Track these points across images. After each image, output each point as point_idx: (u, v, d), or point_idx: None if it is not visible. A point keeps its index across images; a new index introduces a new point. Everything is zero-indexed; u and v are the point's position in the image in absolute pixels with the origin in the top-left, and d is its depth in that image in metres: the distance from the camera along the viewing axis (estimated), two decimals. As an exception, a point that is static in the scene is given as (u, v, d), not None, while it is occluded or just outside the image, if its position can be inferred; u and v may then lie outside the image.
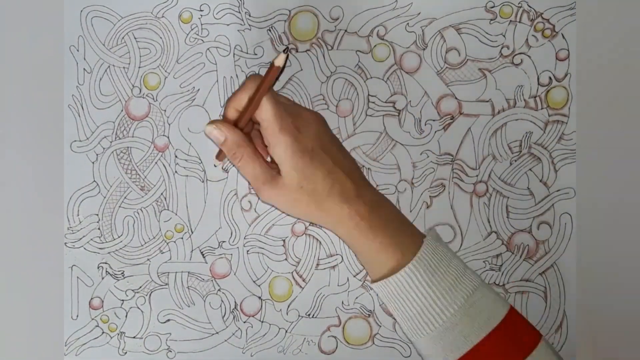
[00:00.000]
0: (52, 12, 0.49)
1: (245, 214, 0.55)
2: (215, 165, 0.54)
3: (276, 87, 0.55)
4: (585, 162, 0.44)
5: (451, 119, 0.55)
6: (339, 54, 0.55)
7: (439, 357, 0.44)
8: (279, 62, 0.42)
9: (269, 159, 0.48)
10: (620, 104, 0.42)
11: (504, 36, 0.54)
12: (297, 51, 0.55)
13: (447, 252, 0.46)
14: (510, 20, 0.54)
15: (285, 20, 0.55)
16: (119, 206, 0.55)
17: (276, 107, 0.44)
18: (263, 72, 0.55)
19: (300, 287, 0.55)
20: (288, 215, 0.54)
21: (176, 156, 0.55)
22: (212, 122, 0.45)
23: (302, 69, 0.55)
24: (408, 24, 0.55)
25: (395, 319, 0.47)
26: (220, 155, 0.50)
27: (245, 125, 0.46)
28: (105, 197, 0.55)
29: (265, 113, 0.44)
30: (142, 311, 0.55)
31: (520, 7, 0.54)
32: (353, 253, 0.52)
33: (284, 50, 0.42)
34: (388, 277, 0.45)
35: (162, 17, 0.55)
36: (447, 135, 0.55)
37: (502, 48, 0.54)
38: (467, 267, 0.46)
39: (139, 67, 0.55)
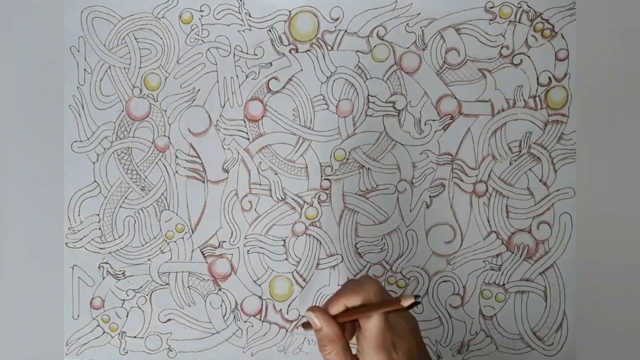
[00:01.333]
0: (53, 12, 0.49)
1: (246, 214, 0.55)
2: (297, 328, 0.55)
3: (276, 87, 0.55)
4: (585, 162, 0.44)
5: (451, 119, 0.55)
6: (339, 54, 0.55)
7: None
8: (406, 303, 0.41)
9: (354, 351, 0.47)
10: (620, 104, 0.42)
11: (503, 36, 0.54)
12: (297, 51, 0.55)
13: None
14: (510, 21, 0.54)
15: (285, 21, 0.55)
16: (120, 206, 0.55)
17: (383, 324, 0.43)
18: (263, 72, 0.55)
19: (301, 286, 0.55)
20: None
21: (177, 156, 0.55)
22: (313, 308, 0.45)
23: (302, 69, 0.55)
24: (408, 24, 0.55)
25: None
26: (307, 326, 0.48)
27: (344, 323, 0.45)
28: (106, 197, 0.55)
29: (372, 324, 0.43)
30: (143, 311, 0.55)
31: (520, 7, 0.54)
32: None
33: (415, 297, 0.41)
34: None
35: (163, 17, 0.55)
36: (447, 135, 0.55)
37: (501, 48, 0.54)
38: None
39: (140, 68, 0.55)
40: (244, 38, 0.55)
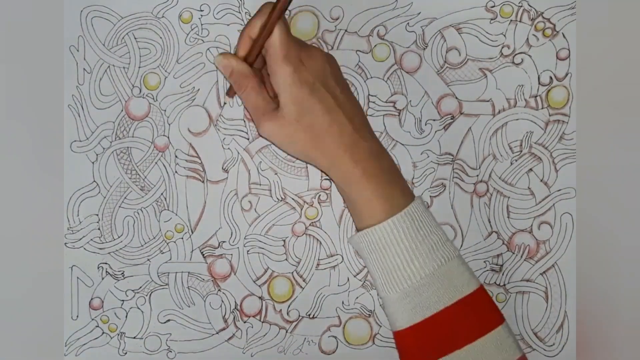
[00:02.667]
0: (52, 12, 0.49)
1: (246, 214, 0.55)
2: (224, 102, 0.54)
3: (276, 87, 0.55)
4: (586, 161, 0.44)
5: (451, 119, 0.55)
6: (339, 54, 0.55)
7: (404, 315, 0.44)
8: None
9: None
10: (621, 104, 0.42)
11: (504, 36, 0.54)
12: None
13: (432, 218, 0.47)
14: (511, 20, 0.54)
15: (285, 20, 0.55)
16: (119, 206, 0.55)
17: (284, 35, 0.44)
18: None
19: (301, 287, 0.55)
20: (285, 152, 0.51)
21: (176, 156, 0.55)
22: (221, 54, 0.46)
23: (302, 69, 0.55)
24: (408, 23, 0.55)
25: (370, 273, 0.47)
26: (230, 92, 0.51)
27: (255, 58, 0.46)
28: (105, 197, 0.55)
29: (273, 39, 0.44)
30: (142, 311, 0.55)
31: (521, 6, 0.54)
32: (343, 200, 0.51)
33: None
34: (373, 226, 0.45)
35: (162, 17, 0.55)
36: (447, 135, 0.55)
37: (502, 48, 0.54)
38: (448, 238, 0.46)
39: (139, 67, 0.55)
40: (244, 37, 0.55)
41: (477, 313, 0.45)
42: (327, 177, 0.55)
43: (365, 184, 0.45)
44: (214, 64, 0.47)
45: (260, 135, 0.50)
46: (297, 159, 0.54)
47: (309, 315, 0.55)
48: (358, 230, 0.47)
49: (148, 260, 0.55)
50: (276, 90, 0.45)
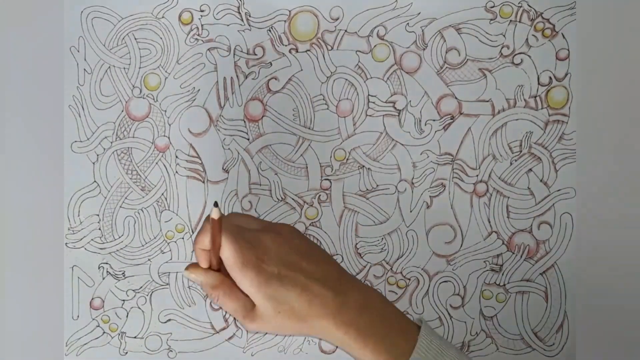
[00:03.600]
0: (52, 12, 0.49)
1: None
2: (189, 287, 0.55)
3: (276, 88, 0.55)
4: (586, 161, 0.44)
5: (451, 119, 0.55)
6: (339, 54, 0.55)
7: None
8: (215, 214, 0.42)
9: None
10: (621, 104, 0.42)
11: (504, 36, 0.54)
12: (297, 51, 0.55)
13: (440, 344, 0.44)
14: (510, 20, 0.54)
15: (285, 21, 0.55)
16: (120, 206, 0.55)
17: (235, 244, 0.43)
18: (263, 72, 0.55)
19: (301, 287, 0.55)
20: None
21: (177, 156, 0.55)
22: (187, 267, 0.46)
23: (302, 69, 0.55)
24: (408, 24, 0.55)
25: None
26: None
27: (217, 265, 0.45)
28: (105, 198, 0.55)
29: (226, 252, 0.43)
30: (142, 311, 0.55)
31: (520, 6, 0.54)
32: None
33: (214, 204, 0.42)
34: None
35: (162, 17, 0.55)
36: (447, 135, 0.55)
37: (502, 48, 0.54)
38: (461, 354, 0.45)
39: (140, 68, 0.55)
40: (244, 38, 0.55)
41: None
42: (327, 177, 0.55)
43: (364, 343, 0.44)
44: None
45: (255, 332, 0.52)
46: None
47: None
48: None
49: (149, 260, 0.55)
50: (246, 292, 0.44)
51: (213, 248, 0.44)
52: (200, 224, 0.55)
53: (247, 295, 0.44)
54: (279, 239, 0.45)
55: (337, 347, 0.48)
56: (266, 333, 0.55)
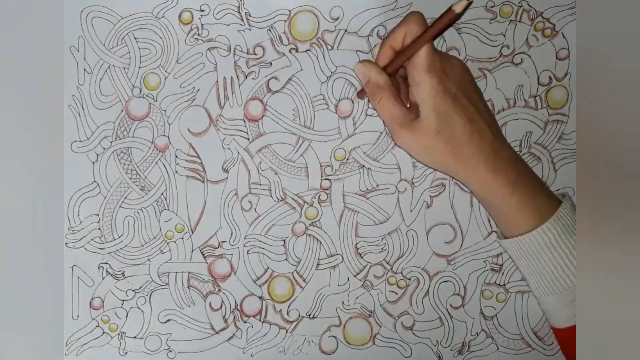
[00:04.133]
0: (52, 12, 0.49)
1: (246, 214, 0.55)
2: (352, 101, 0.54)
3: (276, 87, 0.55)
4: (585, 161, 0.44)
5: (451, 119, 0.54)
6: (339, 54, 0.55)
7: (562, 316, 0.45)
8: (459, 8, 0.39)
9: (408, 106, 0.47)
10: (621, 104, 0.42)
11: (504, 36, 0.54)
12: (297, 51, 0.55)
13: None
14: (510, 20, 0.54)
15: (285, 20, 0.55)
16: (120, 206, 0.55)
17: (432, 49, 0.43)
18: (263, 72, 0.55)
19: (301, 287, 0.55)
20: (420, 162, 0.52)
21: (176, 156, 0.55)
22: (362, 61, 0.46)
23: (302, 69, 0.55)
24: (408, 23, 0.54)
25: (522, 275, 0.47)
26: (361, 94, 0.49)
27: (396, 70, 0.45)
28: (105, 197, 0.55)
29: (420, 53, 0.43)
30: (142, 311, 0.55)
31: (521, 6, 0.54)
32: (483, 207, 0.50)
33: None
34: (523, 235, 0.44)
35: (162, 17, 0.55)
36: (447, 135, 0.55)
37: (502, 47, 0.54)
38: None
39: (139, 67, 0.55)
40: (244, 38, 0.55)
41: None
42: (327, 177, 0.55)
43: (510, 193, 0.44)
44: (352, 69, 0.48)
45: (397, 144, 0.50)
46: (432, 168, 0.53)
47: (309, 315, 0.55)
48: (505, 236, 0.47)
49: (148, 260, 0.55)
50: (417, 100, 0.44)
51: (409, 48, 0.42)
52: (200, 224, 0.55)
53: (407, 110, 0.44)
54: (463, 66, 0.46)
55: (472, 192, 0.48)
56: (408, 154, 0.52)
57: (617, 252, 0.41)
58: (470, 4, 0.39)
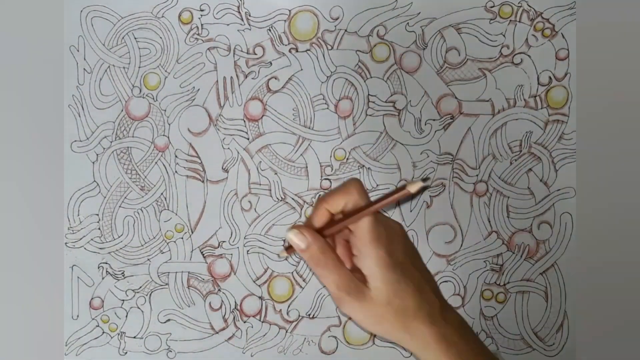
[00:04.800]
0: (52, 12, 0.49)
1: (245, 214, 0.55)
2: (279, 256, 0.54)
3: (276, 87, 0.55)
4: (585, 161, 0.44)
5: (451, 119, 0.55)
6: (339, 54, 0.55)
7: None
8: (413, 188, 0.38)
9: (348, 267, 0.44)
10: (621, 104, 0.42)
11: (503, 36, 0.54)
12: (297, 51, 0.55)
13: None
14: (510, 20, 0.54)
15: (285, 20, 0.55)
16: (119, 206, 0.55)
17: (375, 219, 0.41)
18: (263, 72, 0.55)
19: (301, 287, 0.55)
20: (367, 331, 0.52)
21: (176, 156, 0.55)
22: (295, 227, 0.42)
23: (302, 69, 0.55)
24: (408, 23, 0.55)
25: None
26: (289, 250, 0.44)
27: (334, 233, 0.43)
28: (105, 197, 0.55)
29: (362, 222, 0.41)
30: (142, 311, 0.55)
31: (520, 6, 0.54)
32: None
33: (423, 180, 0.38)
34: None
35: (162, 17, 0.55)
36: (447, 135, 0.55)
37: (502, 48, 0.54)
38: None
39: (139, 67, 0.55)
40: (244, 37, 0.55)
41: None
42: (327, 177, 0.55)
43: None
44: (287, 238, 0.42)
45: (342, 312, 0.48)
46: (381, 338, 0.53)
47: (309, 315, 0.55)
48: None
49: (148, 260, 0.55)
50: (364, 270, 0.41)
51: (351, 216, 0.40)
52: (200, 223, 0.55)
53: (351, 276, 0.42)
54: (403, 229, 0.43)
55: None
56: (353, 321, 0.51)
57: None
58: (426, 187, 0.38)
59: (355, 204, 0.41)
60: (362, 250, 0.41)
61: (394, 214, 0.55)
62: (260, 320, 0.55)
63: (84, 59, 0.55)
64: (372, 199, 0.41)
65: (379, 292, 0.41)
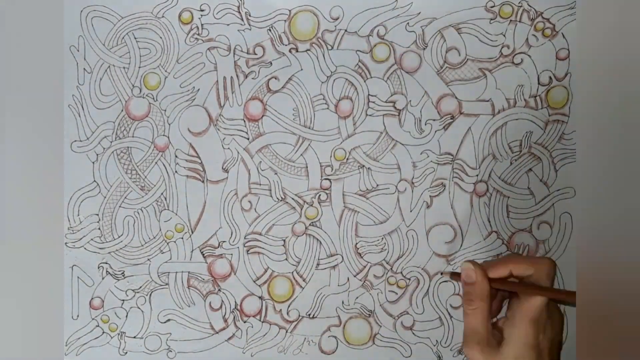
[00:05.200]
0: (52, 12, 0.49)
1: (246, 214, 0.55)
2: (441, 274, 0.55)
3: (276, 87, 0.55)
4: (585, 161, 0.44)
5: (451, 119, 0.55)
6: (339, 54, 0.55)
7: None
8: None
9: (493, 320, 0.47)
10: (621, 104, 0.42)
11: (504, 36, 0.54)
12: (297, 51, 0.55)
13: None
14: (511, 20, 0.54)
15: (285, 20, 0.55)
16: (119, 206, 0.55)
17: (545, 304, 0.43)
18: (263, 72, 0.55)
19: (301, 287, 0.55)
20: None
21: (176, 156, 0.55)
22: (471, 262, 0.44)
23: (302, 69, 0.55)
24: (408, 23, 0.55)
25: None
26: (454, 276, 0.47)
27: (498, 290, 0.45)
28: (105, 197, 0.55)
29: (535, 300, 0.43)
30: (142, 311, 0.55)
31: (521, 6, 0.54)
32: None
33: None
34: None
35: (162, 17, 0.55)
36: (447, 135, 0.55)
37: (502, 47, 0.54)
38: None
39: (139, 67, 0.55)
40: (244, 37, 0.55)
41: None
42: (327, 177, 0.55)
43: None
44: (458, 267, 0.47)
45: (463, 352, 0.49)
46: None
47: (309, 315, 0.55)
48: None
49: (148, 260, 0.55)
50: (504, 334, 0.44)
51: (526, 286, 0.43)
52: (200, 223, 0.55)
53: (493, 332, 0.44)
54: (562, 320, 0.46)
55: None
56: None
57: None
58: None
59: (537, 281, 0.43)
60: (517, 320, 0.43)
61: (393, 214, 0.55)
62: (260, 320, 0.55)
63: (84, 59, 0.55)
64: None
65: (505, 357, 0.43)
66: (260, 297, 0.55)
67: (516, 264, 0.44)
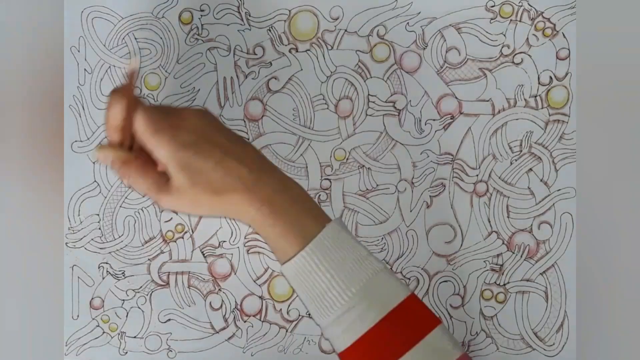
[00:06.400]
0: (53, 12, 0.49)
1: (246, 214, 0.55)
2: (89, 157, 0.55)
3: (276, 87, 0.55)
4: (586, 161, 0.44)
5: (451, 119, 0.55)
6: (339, 54, 0.55)
7: (341, 338, 0.45)
8: (135, 64, 0.42)
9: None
10: (621, 104, 0.42)
11: (504, 35, 0.54)
12: (297, 51, 0.55)
13: (349, 238, 0.46)
14: (511, 20, 0.54)
15: (285, 20, 0.55)
16: (120, 206, 0.55)
17: (147, 112, 0.43)
18: (263, 72, 0.55)
19: (301, 287, 0.55)
20: (197, 215, 0.54)
21: (176, 156, 0.55)
22: (98, 147, 0.45)
23: (302, 69, 0.55)
24: (408, 23, 0.55)
25: (304, 304, 0.48)
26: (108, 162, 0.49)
27: (130, 142, 0.45)
28: (106, 197, 0.55)
29: (139, 119, 0.43)
30: (142, 311, 0.55)
31: (521, 6, 0.54)
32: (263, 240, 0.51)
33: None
34: (291, 259, 0.45)
35: (162, 17, 0.55)
36: (447, 135, 0.55)
37: (502, 47, 0.54)
38: (370, 254, 0.46)
39: (140, 68, 0.55)
40: (244, 37, 0.55)
41: (409, 321, 0.45)
42: (327, 177, 0.55)
43: (274, 221, 0.45)
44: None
45: (164, 209, 0.51)
46: (212, 216, 0.54)
47: (309, 314, 0.55)
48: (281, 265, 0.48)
49: (148, 260, 0.55)
50: (160, 166, 0.44)
51: (127, 117, 0.43)
52: (200, 223, 0.55)
53: (159, 174, 0.44)
54: (197, 113, 0.46)
55: (248, 226, 0.48)
56: (180, 212, 0.54)
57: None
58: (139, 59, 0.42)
59: (124, 110, 0.43)
60: (150, 145, 0.43)
61: (393, 214, 0.55)
62: (260, 319, 0.55)
63: (85, 60, 0.55)
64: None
65: (179, 177, 0.43)
66: (261, 297, 0.55)
67: (108, 117, 0.44)
